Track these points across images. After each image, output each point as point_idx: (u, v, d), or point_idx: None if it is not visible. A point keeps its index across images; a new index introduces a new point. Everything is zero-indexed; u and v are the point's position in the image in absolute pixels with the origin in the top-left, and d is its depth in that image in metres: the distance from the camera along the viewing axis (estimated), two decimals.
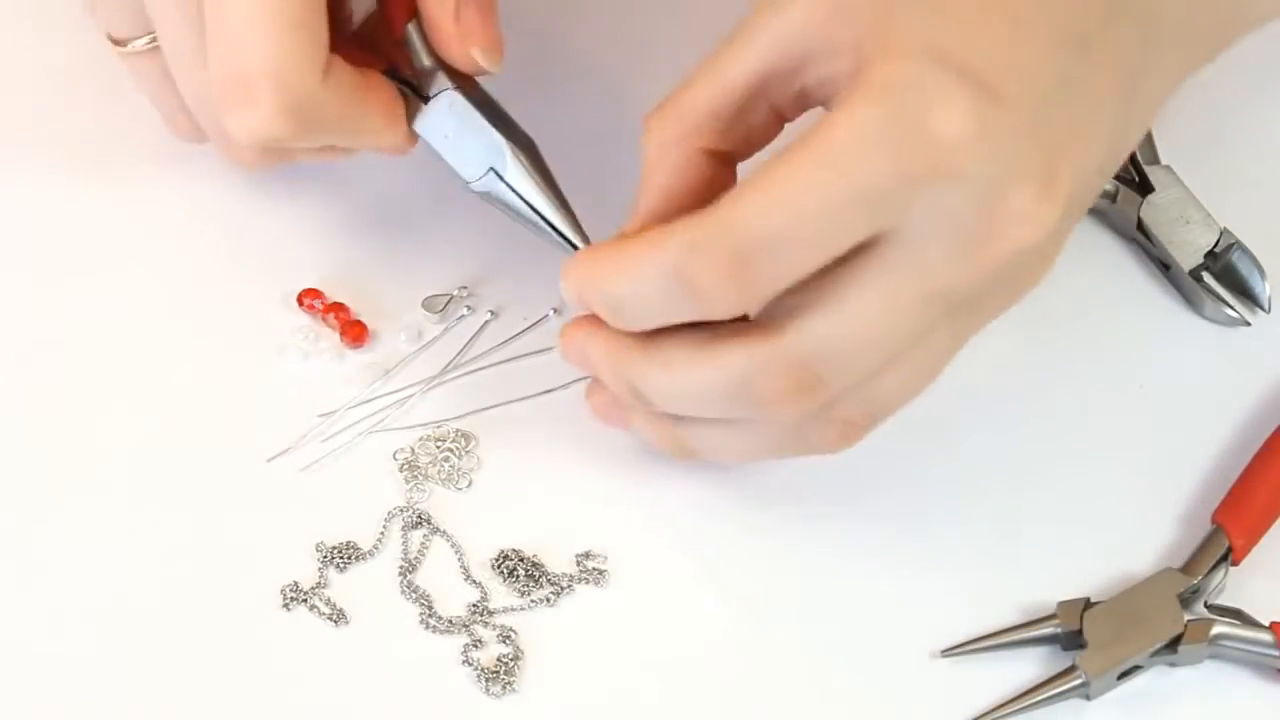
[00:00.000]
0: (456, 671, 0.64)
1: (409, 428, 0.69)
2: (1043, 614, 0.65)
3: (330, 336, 0.71)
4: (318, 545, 0.66)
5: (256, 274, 0.71)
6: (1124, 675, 0.64)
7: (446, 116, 0.66)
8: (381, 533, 0.67)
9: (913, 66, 0.55)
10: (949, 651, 0.65)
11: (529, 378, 0.70)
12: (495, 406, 0.69)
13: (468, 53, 0.65)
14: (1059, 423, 0.69)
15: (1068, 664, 0.64)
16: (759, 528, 0.67)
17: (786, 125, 0.62)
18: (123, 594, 0.65)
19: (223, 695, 0.63)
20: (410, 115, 0.66)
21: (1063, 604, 0.65)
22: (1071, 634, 0.64)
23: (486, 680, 0.64)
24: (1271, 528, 0.66)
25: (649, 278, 0.58)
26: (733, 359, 0.59)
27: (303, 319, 0.71)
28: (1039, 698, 0.63)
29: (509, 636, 0.65)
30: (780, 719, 0.64)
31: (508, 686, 0.64)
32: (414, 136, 0.66)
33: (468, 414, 0.69)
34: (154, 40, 0.66)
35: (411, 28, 0.65)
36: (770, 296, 0.57)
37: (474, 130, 0.65)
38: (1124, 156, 0.61)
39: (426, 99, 0.66)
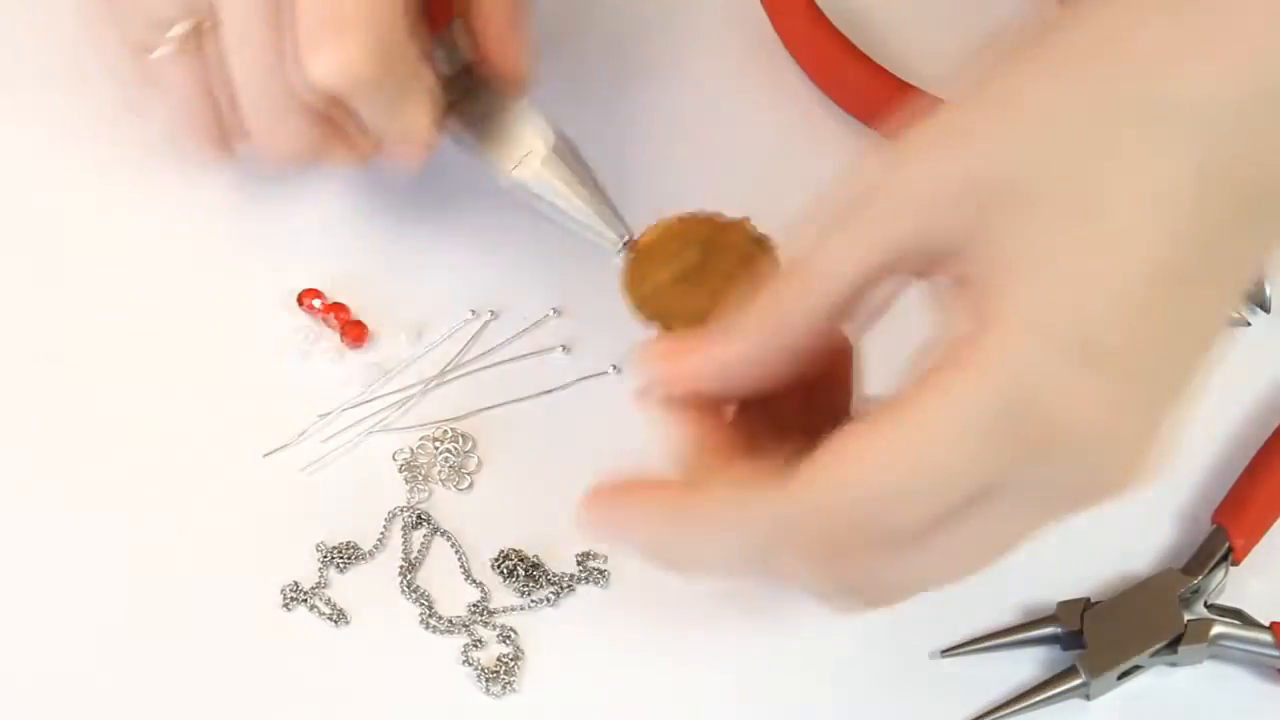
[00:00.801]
0: (456, 671, 0.64)
1: (409, 428, 0.69)
2: (1043, 614, 0.65)
3: (330, 336, 0.71)
4: (318, 545, 0.66)
5: (256, 274, 0.71)
6: (1124, 675, 0.64)
7: (481, 110, 0.67)
8: (382, 533, 0.67)
9: (1031, 340, 0.51)
10: (949, 651, 0.65)
11: (529, 378, 0.70)
12: (495, 406, 0.69)
13: (518, 58, 0.67)
14: None
15: (1068, 664, 0.64)
16: None
17: None
18: (123, 594, 0.65)
19: (223, 695, 0.63)
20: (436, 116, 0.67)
21: (1063, 604, 0.65)
22: (1072, 634, 0.64)
23: (486, 680, 0.64)
24: (1272, 528, 0.66)
25: (725, 537, 0.55)
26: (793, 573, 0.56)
27: (303, 319, 0.71)
28: (1039, 698, 0.63)
29: (509, 636, 0.65)
30: (781, 719, 0.64)
31: (508, 686, 0.64)
32: (431, 142, 0.67)
33: (468, 414, 0.69)
34: (192, 27, 0.66)
35: (455, 27, 0.67)
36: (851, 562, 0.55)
37: (511, 121, 0.66)
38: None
39: (458, 97, 0.67)
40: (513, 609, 0.65)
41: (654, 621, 0.65)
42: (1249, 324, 0.72)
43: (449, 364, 0.70)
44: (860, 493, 0.52)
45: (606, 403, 0.69)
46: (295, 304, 0.71)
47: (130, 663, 0.64)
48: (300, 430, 0.68)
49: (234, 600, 0.65)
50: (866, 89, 0.75)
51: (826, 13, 0.76)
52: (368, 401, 0.69)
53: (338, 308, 0.71)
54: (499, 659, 0.64)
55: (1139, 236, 0.51)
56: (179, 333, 0.70)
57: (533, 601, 0.65)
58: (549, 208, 0.65)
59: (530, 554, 0.66)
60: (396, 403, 0.69)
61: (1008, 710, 0.63)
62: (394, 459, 0.68)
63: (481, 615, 0.65)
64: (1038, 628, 0.65)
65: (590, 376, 0.70)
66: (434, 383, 0.70)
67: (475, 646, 0.65)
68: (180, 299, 0.71)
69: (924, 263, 0.54)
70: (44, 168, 0.73)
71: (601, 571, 0.66)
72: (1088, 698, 0.64)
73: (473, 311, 0.71)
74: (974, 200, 0.52)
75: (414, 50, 0.65)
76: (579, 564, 0.66)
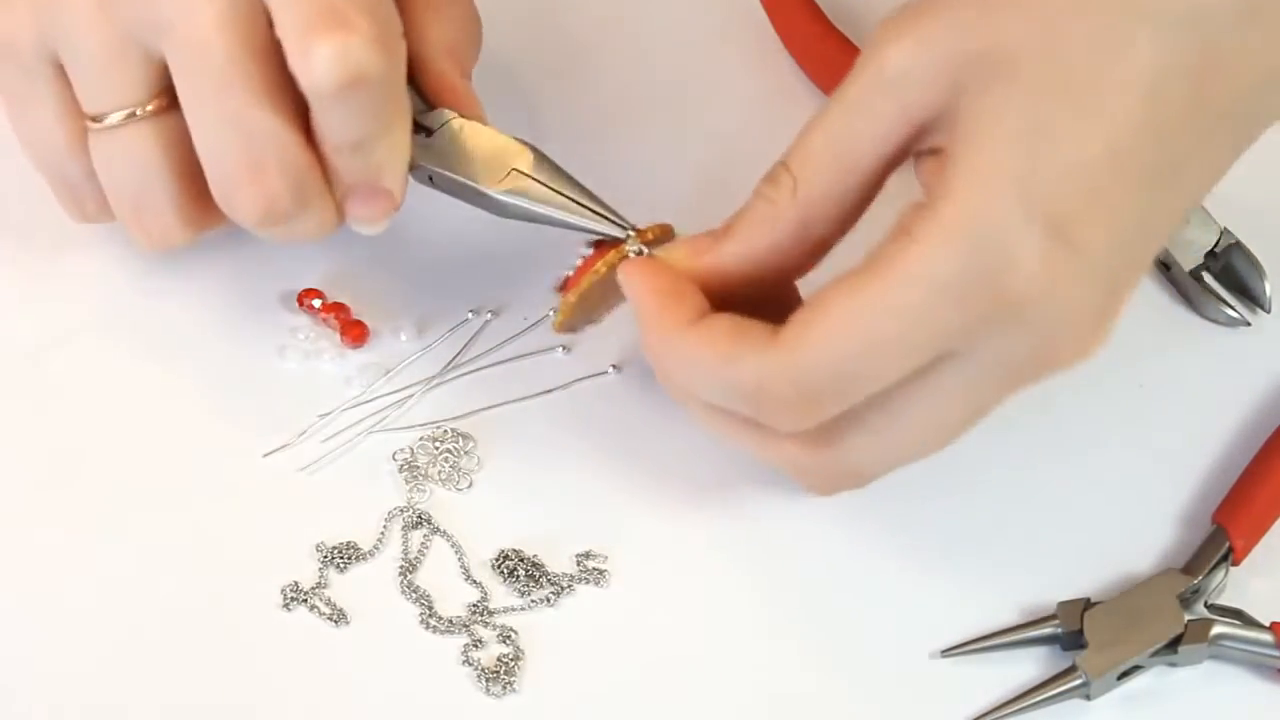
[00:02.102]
0: (456, 671, 0.64)
1: (409, 428, 0.69)
2: (1043, 614, 0.65)
3: (330, 336, 0.71)
4: (318, 545, 0.66)
5: (256, 274, 0.71)
6: (1124, 675, 0.64)
7: (455, 142, 0.66)
8: (382, 533, 0.67)
9: (996, 207, 0.55)
10: (949, 651, 0.65)
11: (529, 378, 0.70)
12: (495, 406, 0.69)
13: (473, 104, 0.67)
14: (1058, 422, 0.69)
15: (1068, 664, 0.64)
16: (760, 528, 0.67)
17: None
18: (123, 594, 0.65)
19: (223, 695, 0.63)
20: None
21: (1063, 604, 0.65)
22: (1072, 634, 0.64)
23: (486, 680, 0.64)
24: (1272, 528, 0.66)
25: (717, 387, 0.60)
26: (782, 453, 0.61)
27: (303, 319, 0.71)
28: (1039, 698, 0.63)
29: (509, 636, 0.65)
30: (781, 719, 0.64)
31: (508, 686, 0.64)
32: (405, 181, 0.66)
33: (468, 414, 0.69)
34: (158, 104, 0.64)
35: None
36: (827, 418, 0.59)
37: (486, 142, 0.66)
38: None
39: (428, 136, 0.66)
40: (512, 609, 0.65)
41: (653, 621, 0.65)
42: (1249, 324, 0.72)
43: (449, 364, 0.70)
44: (837, 349, 0.57)
45: (606, 403, 0.69)
46: (295, 304, 0.71)
47: (130, 663, 0.64)
48: (300, 430, 0.68)
49: (234, 600, 0.65)
50: None
51: (826, 13, 0.76)
52: (368, 401, 0.69)
53: (338, 308, 0.71)
54: (499, 659, 0.64)
55: (1109, 120, 0.55)
56: (179, 332, 0.70)
57: (532, 601, 0.65)
58: (548, 215, 0.65)
59: (529, 554, 0.66)
60: (396, 403, 0.69)
61: (1007, 710, 0.63)
62: (394, 459, 0.68)
63: (481, 615, 0.65)
64: (1038, 627, 0.65)
65: (590, 376, 0.70)
66: (434, 383, 0.70)
67: (475, 646, 0.65)
68: (180, 298, 0.71)
69: (911, 139, 0.58)
70: None
71: (601, 571, 0.66)
72: (1088, 698, 0.64)
73: (473, 312, 0.71)
74: (951, 75, 0.56)
75: (403, 54, 0.64)
76: (578, 564, 0.66)
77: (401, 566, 0.66)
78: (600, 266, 0.64)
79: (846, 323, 0.57)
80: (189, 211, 0.66)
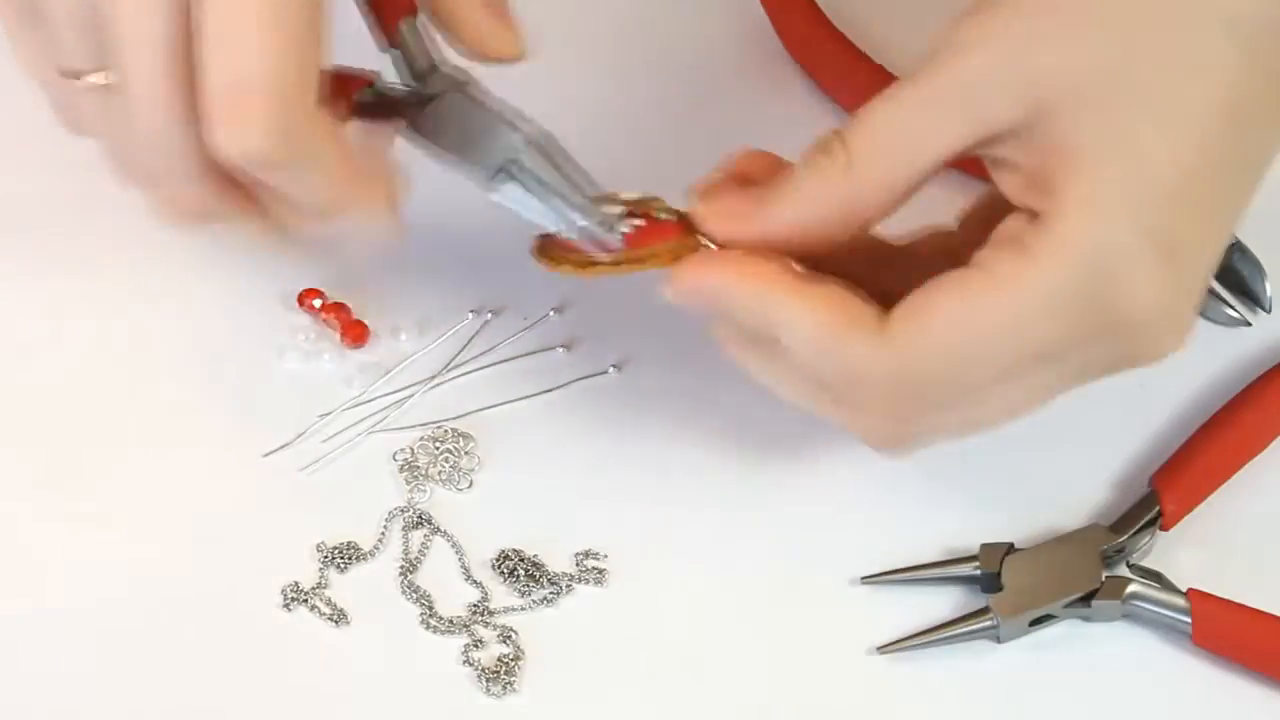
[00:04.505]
0: (456, 671, 0.64)
1: (409, 428, 0.69)
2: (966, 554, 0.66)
3: (330, 336, 0.71)
4: (318, 545, 0.66)
5: (256, 274, 0.71)
6: (1037, 623, 0.65)
7: (450, 120, 0.62)
8: (382, 533, 0.67)
9: (1111, 229, 0.56)
10: (869, 578, 0.66)
11: (529, 378, 0.70)
12: (495, 406, 0.69)
13: (498, 37, 0.63)
14: (1056, 420, 0.69)
15: (983, 605, 0.64)
16: (760, 527, 0.67)
17: None
18: (123, 594, 0.65)
19: (223, 695, 0.63)
20: (404, 133, 0.63)
21: (986, 546, 0.66)
22: (991, 576, 0.65)
23: (486, 680, 0.64)
24: (1209, 499, 0.67)
25: (815, 360, 0.59)
26: (852, 420, 0.61)
27: (303, 319, 0.71)
28: (949, 634, 0.64)
29: (509, 636, 0.65)
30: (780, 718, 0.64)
31: (508, 686, 0.64)
32: (396, 206, 0.62)
33: (468, 414, 0.69)
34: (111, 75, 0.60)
35: (407, 27, 0.62)
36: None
37: (483, 129, 0.62)
38: None
39: (423, 106, 0.62)
40: (512, 609, 0.65)
41: (653, 621, 0.65)
42: (1249, 324, 0.72)
43: (449, 364, 0.70)
44: (945, 354, 0.57)
45: (606, 403, 0.69)
46: (295, 304, 0.71)
47: (130, 662, 0.64)
48: (300, 430, 0.68)
49: (234, 600, 0.65)
50: (866, 89, 0.75)
51: (826, 13, 0.76)
52: (368, 401, 0.69)
53: (338, 308, 0.71)
54: (499, 659, 0.64)
55: (1199, 133, 0.57)
56: (179, 332, 0.70)
57: (532, 601, 0.65)
58: (532, 211, 0.62)
59: (529, 554, 0.66)
60: (396, 403, 0.69)
61: (917, 641, 0.64)
62: (394, 459, 0.68)
63: (481, 615, 0.65)
64: (958, 566, 0.66)
65: (590, 376, 0.70)
66: (434, 383, 0.70)
67: (475, 646, 0.65)
68: (180, 298, 0.71)
69: (976, 146, 0.58)
70: (44, 165, 0.73)
71: (600, 571, 0.66)
72: (998, 640, 0.65)
73: (473, 311, 0.71)
74: (1033, 91, 0.56)
75: (325, 122, 0.59)
76: (578, 564, 0.66)
77: (401, 566, 0.66)
78: (663, 252, 0.61)
79: (958, 329, 0.57)
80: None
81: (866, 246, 0.61)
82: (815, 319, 0.58)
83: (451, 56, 0.63)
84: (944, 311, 0.57)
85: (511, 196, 0.61)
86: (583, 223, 0.61)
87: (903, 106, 0.58)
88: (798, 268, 0.59)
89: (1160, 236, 0.56)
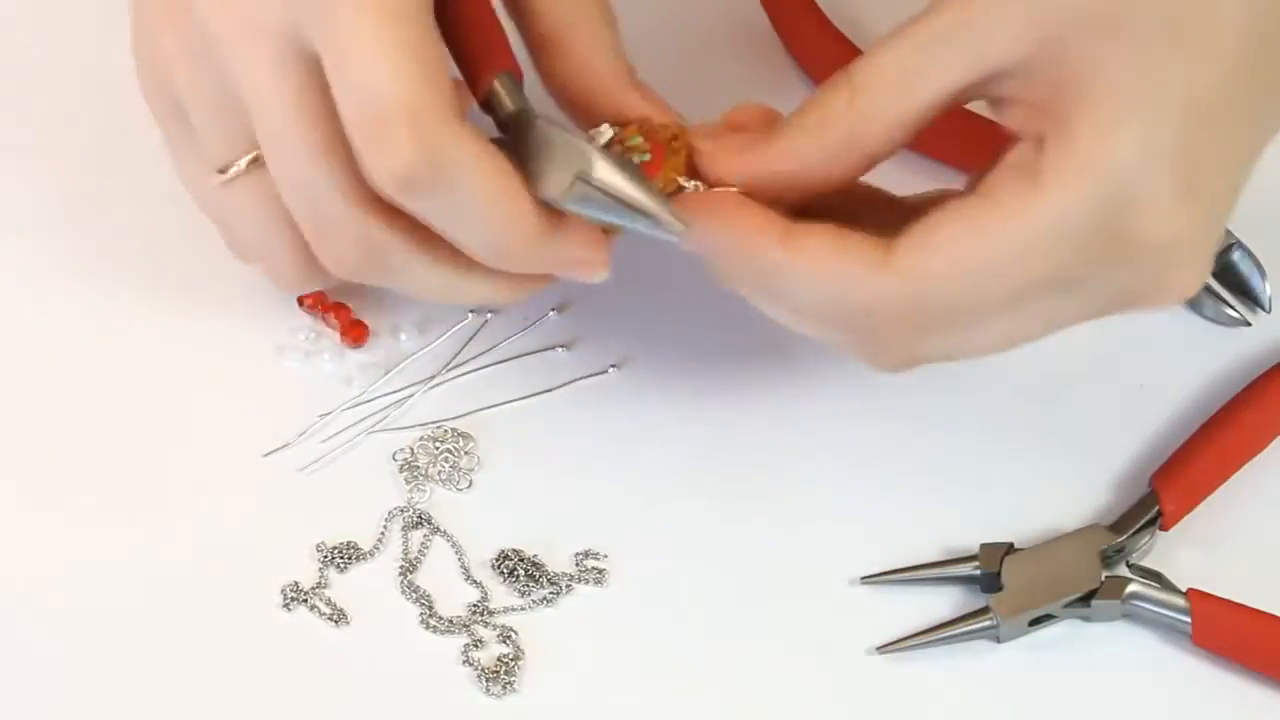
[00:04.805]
0: (456, 671, 0.64)
1: (409, 428, 0.69)
2: (966, 554, 0.66)
3: (330, 336, 0.71)
4: (318, 545, 0.66)
5: (257, 274, 0.71)
6: (1036, 623, 0.65)
7: (525, 143, 0.60)
8: (382, 533, 0.67)
9: (1123, 154, 0.56)
10: (869, 578, 0.66)
11: (529, 377, 0.70)
12: (495, 406, 0.69)
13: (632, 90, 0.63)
14: (1056, 420, 0.69)
15: (983, 605, 0.64)
16: (759, 527, 0.67)
17: None
18: (123, 594, 0.65)
19: (223, 695, 0.63)
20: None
21: (985, 546, 0.66)
22: (990, 576, 0.65)
23: (486, 680, 0.64)
24: (1209, 500, 0.67)
25: (823, 304, 0.59)
26: (862, 345, 0.60)
27: (303, 319, 0.71)
28: (949, 633, 0.64)
29: (509, 636, 0.65)
30: (780, 718, 0.64)
31: (508, 686, 0.64)
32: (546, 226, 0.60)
33: (468, 414, 0.69)
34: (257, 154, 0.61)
35: (499, 83, 0.61)
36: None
37: (554, 145, 0.60)
38: None
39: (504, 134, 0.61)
40: (512, 609, 0.65)
41: (653, 621, 0.65)
42: (1249, 324, 0.72)
43: (449, 364, 0.70)
44: (955, 281, 0.57)
45: (606, 403, 0.69)
46: (295, 304, 0.71)
47: (130, 662, 0.64)
48: (300, 430, 0.68)
49: (234, 600, 0.65)
50: None
51: (826, 13, 0.76)
52: (368, 401, 0.69)
53: (338, 308, 0.71)
54: (499, 659, 0.64)
55: (1216, 59, 0.56)
56: (180, 332, 0.70)
57: (532, 601, 0.65)
58: (609, 215, 0.60)
59: (529, 554, 0.66)
60: (396, 403, 0.69)
61: (917, 641, 0.64)
62: (394, 459, 0.68)
63: (481, 615, 0.65)
64: (958, 566, 0.66)
65: (590, 376, 0.70)
66: (434, 383, 0.70)
67: (475, 646, 0.65)
68: (181, 298, 0.71)
69: (980, 84, 0.58)
70: (45, 165, 0.73)
71: (600, 571, 0.66)
72: (998, 640, 0.65)
73: (472, 311, 0.71)
74: (1038, 29, 0.56)
75: (474, 137, 0.58)
76: (578, 564, 0.66)
77: (401, 566, 0.66)
78: (661, 182, 0.61)
79: (966, 256, 0.57)
80: (308, 259, 0.63)
81: (873, 197, 0.62)
82: (813, 265, 0.58)
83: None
84: (949, 238, 0.57)
85: (585, 203, 0.60)
86: (652, 229, 0.60)
87: (906, 43, 0.58)
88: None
89: (1180, 162, 0.56)
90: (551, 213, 0.60)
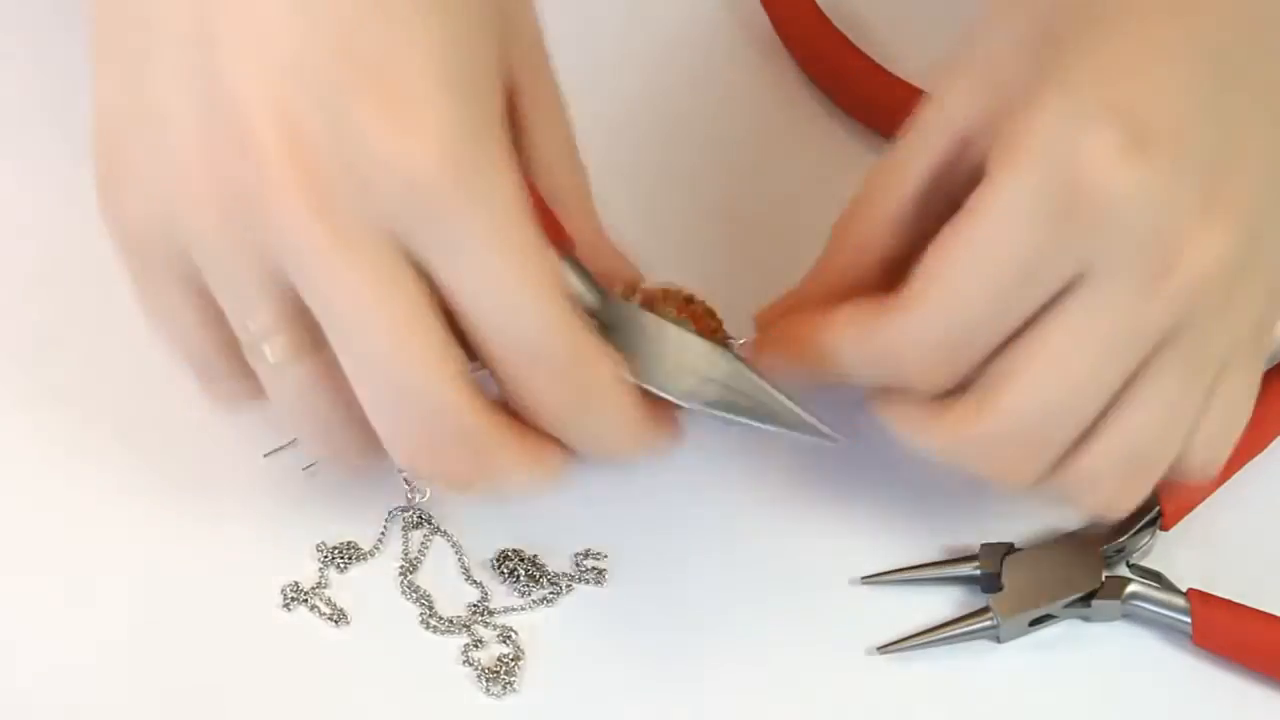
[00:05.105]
0: (456, 671, 0.64)
1: None
2: (966, 554, 0.66)
3: None
4: (318, 545, 0.66)
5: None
6: (1037, 623, 0.65)
7: (639, 340, 0.59)
8: (382, 533, 0.67)
9: (1056, 118, 0.56)
10: (869, 579, 0.66)
11: None
12: None
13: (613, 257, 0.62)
14: None
15: (983, 605, 0.65)
16: (759, 528, 0.67)
17: None
18: (123, 593, 0.65)
19: (223, 695, 0.63)
20: None
21: (986, 546, 0.66)
22: (991, 576, 0.65)
23: (486, 680, 0.64)
24: (1209, 500, 0.66)
25: (862, 366, 0.60)
26: (961, 438, 0.60)
27: None
28: (950, 633, 0.64)
29: (509, 636, 0.65)
30: (781, 718, 0.64)
31: (508, 686, 0.64)
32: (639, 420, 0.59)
33: None
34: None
35: (574, 273, 0.59)
36: (974, 365, 0.59)
37: (672, 344, 0.59)
38: None
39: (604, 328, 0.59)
40: (512, 609, 0.65)
41: (653, 621, 0.65)
42: None
43: None
44: (950, 293, 0.58)
45: None
46: None
47: (130, 662, 0.64)
48: None
49: (234, 600, 0.65)
50: (867, 89, 0.75)
51: (826, 13, 0.76)
52: None
53: None
54: (499, 659, 0.64)
55: (1143, 20, 0.57)
56: None
57: (532, 601, 0.66)
58: (742, 417, 0.60)
59: (529, 554, 0.66)
60: None
61: (917, 641, 0.64)
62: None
63: (481, 615, 0.65)
64: (958, 566, 0.66)
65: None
66: None
67: (475, 646, 0.65)
68: None
69: (970, 145, 0.59)
70: (46, 165, 0.73)
71: (600, 571, 0.66)
72: (998, 640, 0.65)
73: None
74: (988, 79, 0.59)
75: (610, 354, 0.57)
76: (578, 564, 0.66)
77: (401, 566, 0.66)
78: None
79: (952, 270, 0.57)
80: (373, 436, 0.58)
81: None
82: (835, 330, 0.60)
83: None
84: (934, 259, 0.58)
85: (714, 407, 0.60)
86: (797, 413, 0.60)
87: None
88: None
89: (1120, 112, 0.56)
90: (648, 399, 0.59)
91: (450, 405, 0.55)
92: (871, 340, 0.59)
